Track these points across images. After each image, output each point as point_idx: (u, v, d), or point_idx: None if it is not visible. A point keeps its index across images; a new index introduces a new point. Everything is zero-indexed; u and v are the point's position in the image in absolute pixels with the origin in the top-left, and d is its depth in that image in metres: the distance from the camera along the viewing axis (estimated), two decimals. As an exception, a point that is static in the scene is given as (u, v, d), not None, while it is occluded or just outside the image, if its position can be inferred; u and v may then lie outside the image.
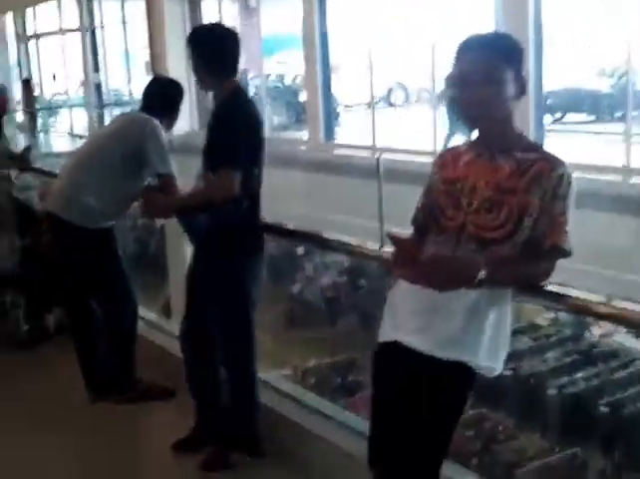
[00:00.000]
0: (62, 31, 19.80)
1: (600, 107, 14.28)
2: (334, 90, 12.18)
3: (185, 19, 14.51)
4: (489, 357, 2.43)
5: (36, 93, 20.58)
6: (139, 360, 4.59)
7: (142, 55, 16.21)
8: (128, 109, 15.00)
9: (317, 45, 11.58)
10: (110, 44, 18.19)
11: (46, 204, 4.48)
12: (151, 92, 4.41)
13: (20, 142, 12.89)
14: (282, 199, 3.69)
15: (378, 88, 12.28)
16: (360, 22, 11.96)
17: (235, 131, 3.47)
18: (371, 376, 2.65)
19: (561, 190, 2.33)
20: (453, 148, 2.64)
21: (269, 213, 3.76)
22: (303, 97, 13.61)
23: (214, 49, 3.57)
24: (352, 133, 13.18)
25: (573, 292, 2.48)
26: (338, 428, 3.80)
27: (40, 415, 4.46)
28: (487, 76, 2.33)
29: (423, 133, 10.91)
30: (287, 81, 17.62)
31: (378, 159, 3.45)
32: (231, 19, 14.92)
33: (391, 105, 17.77)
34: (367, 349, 7.55)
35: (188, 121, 13.51)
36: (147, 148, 4.11)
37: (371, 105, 11.92)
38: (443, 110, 10.71)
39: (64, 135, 19.60)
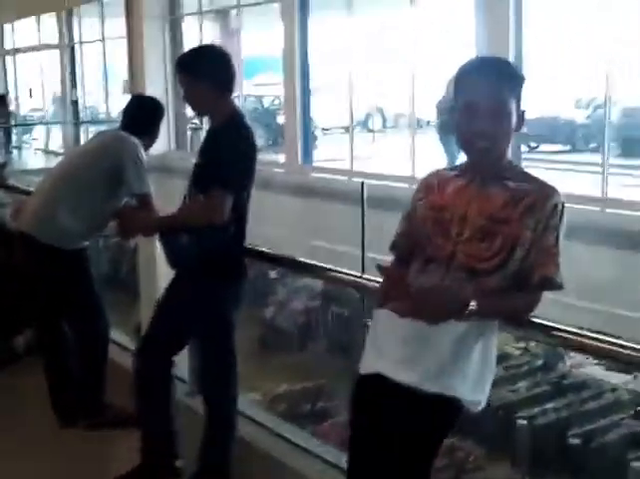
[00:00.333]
0: (41, 47, 19.72)
1: (575, 137, 14.42)
2: (312, 113, 12.21)
3: (165, 38, 14.50)
4: (476, 391, 2.37)
5: (12, 108, 20.45)
6: (108, 384, 4.49)
7: (120, 73, 16.17)
8: (103, 127, 14.94)
9: (297, 68, 11.59)
10: (88, 61, 18.13)
11: (19, 223, 4.38)
12: (131, 110, 4.36)
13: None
14: (258, 221, 3.62)
15: (356, 112, 12.29)
16: (339, 46, 11.99)
17: (232, 154, 3.39)
18: (350, 409, 2.54)
19: (554, 220, 2.26)
20: (437, 172, 2.52)
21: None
22: (281, 119, 13.63)
23: (210, 68, 3.46)
24: (329, 156, 13.19)
25: (562, 326, 2.44)
26: (307, 457, 3.75)
27: (8, 441, 4.33)
28: (500, 107, 2.26)
29: (401, 159, 10.94)
30: (266, 103, 17.65)
31: (362, 184, 3.37)
32: (211, 40, 14.91)
33: (369, 130, 17.84)
34: (337, 376, 7.55)
35: (166, 141, 13.48)
36: (124, 166, 4.05)
37: (349, 129, 11.93)
38: (422, 136, 10.75)
39: (38, 152, 19.48)
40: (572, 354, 7.75)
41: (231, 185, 3.37)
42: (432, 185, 2.46)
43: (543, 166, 11.33)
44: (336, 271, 3.33)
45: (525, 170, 2.45)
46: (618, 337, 2.36)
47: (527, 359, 8.47)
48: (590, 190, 8.43)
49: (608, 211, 7.85)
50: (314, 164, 12.16)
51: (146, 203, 4.01)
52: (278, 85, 13.15)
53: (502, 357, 8.03)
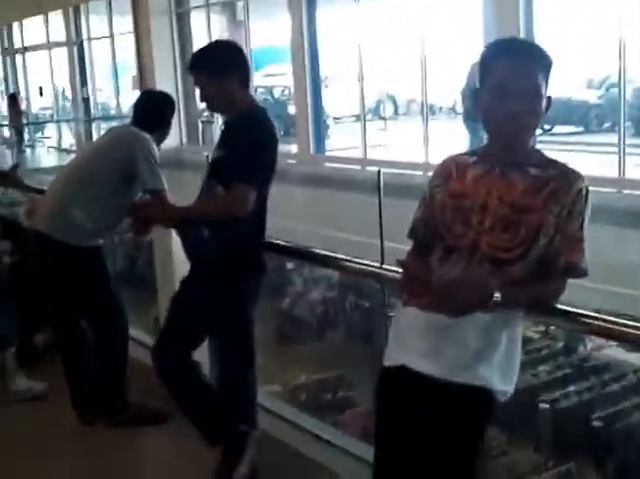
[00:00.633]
0: (49, 45, 19.74)
1: (589, 118, 14.32)
2: (323, 102, 12.17)
3: (173, 33, 14.48)
4: (505, 380, 2.32)
5: (23, 107, 20.51)
6: (128, 381, 4.47)
7: (130, 69, 16.17)
8: (115, 123, 14.95)
9: (306, 57, 11.55)
10: (97, 57, 18.14)
11: (34, 222, 4.36)
12: (141, 105, 4.32)
13: (7, 157, 12.80)
14: (273, 213, 3.58)
15: (366, 99, 12.24)
16: (348, 34, 11.94)
17: (255, 147, 3.35)
18: (375, 401, 2.48)
19: (579, 205, 2.21)
20: (454, 157, 2.43)
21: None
22: (292, 109, 13.59)
23: (228, 64, 3.42)
24: (341, 145, 13.14)
25: (587, 312, 2.39)
26: (329, 449, 3.73)
27: (30, 440, 4.31)
28: (533, 89, 2.20)
29: (414, 145, 10.89)
30: (276, 93, 17.61)
31: (379, 172, 3.31)
32: (219, 32, 14.89)
33: (380, 117, 17.77)
34: (357, 365, 7.52)
35: (177, 135, 13.47)
36: (137, 162, 4.01)
37: (361, 117, 11.88)
38: (435, 122, 10.70)
39: (51, 150, 19.52)
40: (592, 337, 7.70)
41: (255, 178, 3.33)
42: (449, 170, 2.39)
43: (557, 148, 11.26)
44: (355, 263, 3.28)
45: (546, 154, 2.37)
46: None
47: (547, 343, 8.41)
48: (606, 171, 8.37)
49: (626, 192, 7.80)
50: (327, 153, 12.13)
51: (160, 198, 3.97)
52: (288, 75, 13.12)
53: (523, 341, 7.97)
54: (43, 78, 20.99)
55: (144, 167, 3.98)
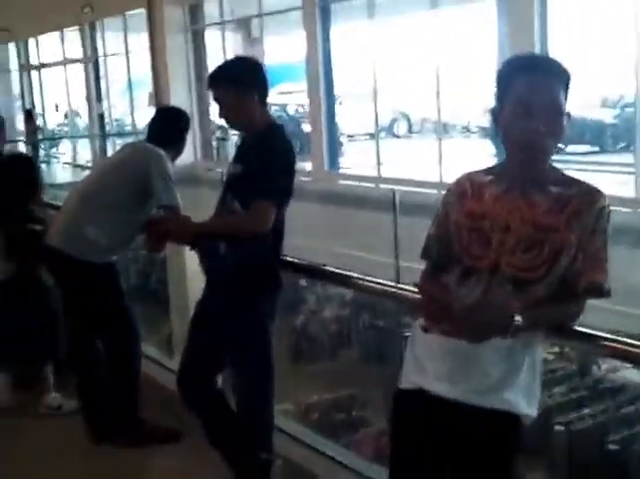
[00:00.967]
0: (65, 61, 19.85)
1: (604, 137, 14.24)
2: (337, 120, 12.16)
3: (189, 50, 14.53)
4: (529, 404, 2.27)
5: (38, 123, 20.60)
6: (140, 399, 4.43)
7: (145, 85, 16.24)
8: (130, 139, 15.00)
9: (321, 75, 11.55)
10: (113, 74, 18.23)
11: (48, 238, 4.36)
12: (157, 122, 4.33)
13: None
14: (287, 230, 3.55)
15: (380, 118, 12.23)
16: (363, 51, 11.95)
17: (276, 165, 3.33)
18: (391, 424, 2.43)
19: (601, 224, 2.18)
20: (469, 175, 2.37)
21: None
22: (307, 127, 13.59)
23: (248, 80, 3.41)
24: (355, 163, 13.13)
25: (605, 334, 2.35)
26: (341, 470, 3.68)
27: (42, 457, 4.29)
28: (556, 106, 2.18)
29: (428, 164, 10.86)
30: (290, 111, 17.63)
31: (394, 192, 3.28)
32: (234, 49, 14.93)
33: (394, 135, 17.75)
34: (370, 385, 7.46)
35: (192, 152, 13.48)
36: (151, 178, 4.00)
37: (375, 135, 11.87)
38: (449, 141, 10.66)
39: (67, 166, 19.59)
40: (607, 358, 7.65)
41: (276, 195, 3.31)
42: (464, 189, 2.34)
43: (573, 167, 11.20)
44: (371, 281, 3.25)
45: (566, 172, 2.34)
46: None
47: (562, 364, 8.36)
48: (623, 191, 8.33)
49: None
50: (340, 171, 12.12)
51: (175, 214, 3.95)
52: (302, 92, 13.13)
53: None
54: (59, 94, 21.10)
55: (158, 183, 3.98)
